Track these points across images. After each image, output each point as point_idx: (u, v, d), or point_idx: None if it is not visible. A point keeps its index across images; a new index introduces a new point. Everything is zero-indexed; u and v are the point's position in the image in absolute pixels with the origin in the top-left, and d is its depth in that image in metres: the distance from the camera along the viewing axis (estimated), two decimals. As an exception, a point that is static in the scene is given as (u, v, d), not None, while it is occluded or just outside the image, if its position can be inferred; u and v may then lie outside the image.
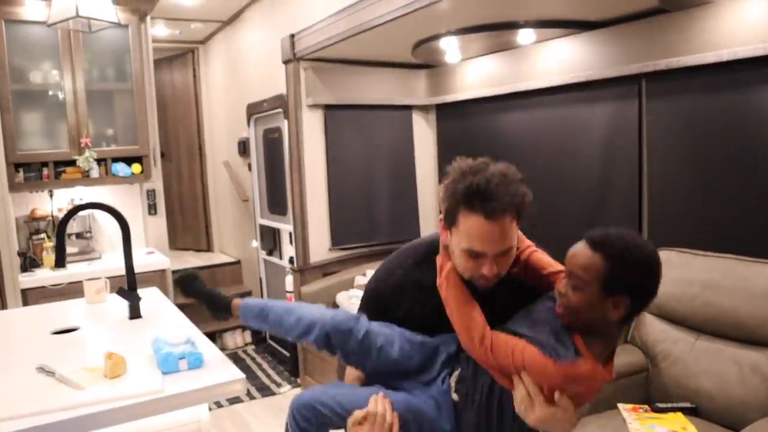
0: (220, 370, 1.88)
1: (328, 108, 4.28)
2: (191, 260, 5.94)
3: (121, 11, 4.05)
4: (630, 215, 3.18)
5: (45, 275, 3.86)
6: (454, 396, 1.61)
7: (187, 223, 6.47)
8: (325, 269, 4.30)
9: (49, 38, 3.97)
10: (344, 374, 1.84)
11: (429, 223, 4.73)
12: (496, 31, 3.34)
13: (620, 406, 2.57)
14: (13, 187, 3.91)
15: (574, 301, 1.43)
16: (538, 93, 3.65)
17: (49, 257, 3.98)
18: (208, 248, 6.37)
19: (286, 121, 4.31)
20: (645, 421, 2.43)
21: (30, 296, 3.75)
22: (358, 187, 4.42)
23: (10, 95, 3.86)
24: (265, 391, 4.23)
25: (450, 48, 3.70)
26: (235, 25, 5.49)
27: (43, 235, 4.12)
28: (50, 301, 3.01)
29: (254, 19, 5.16)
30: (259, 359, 5.02)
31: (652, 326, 2.85)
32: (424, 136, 4.71)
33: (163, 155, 5.35)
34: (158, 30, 5.54)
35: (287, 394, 4.15)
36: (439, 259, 1.64)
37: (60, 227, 2.45)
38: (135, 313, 2.50)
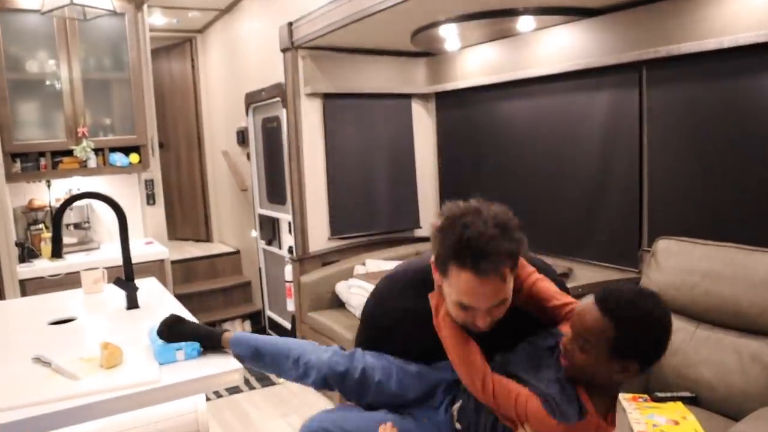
0: (217, 360, 1.86)
1: (326, 97, 4.26)
2: (191, 250, 5.93)
3: (117, -1, 4.02)
4: (630, 203, 3.17)
5: (43, 266, 3.85)
6: (457, 425, 1.61)
7: (186, 213, 6.45)
8: (325, 258, 4.29)
9: (45, 27, 3.94)
10: None
11: (428, 212, 4.72)
12: (495, 18, 3.31)
13: (620, 395, 2.57)
14: (10, 177, 3.90)
15: (581, 360, 1.40)
16: (538, 81, 3.63)
17: (47, 248, 3.97)
18: (208, 238, 6.36)
19: (284, 110, 4.29)
20: (645, 411, 2.42)
21: (28, 287, 3.74)
22: (357, 177, 4.40)
23: (6, 84, 3.84)
24: (265, 381, 4.23)
25: (449, 35, 3.67)
26: (233, 13, 5.45)
27: (41, 226, 4.10)
28: (48, 292, 3.00)
29: (252, 7, 5.12)
30: (258, 349, 5.02)
31: (651, 315, 2.83)
32: (424, 124, 4.68)
33: (161, 145, 5.33)
34: (155, 19, 5.50)
35: (287, 384, 4.15)
36: (433, 298, 1.61)
37: (56, 217, 2.44)
38: (132, 303, 2.49)
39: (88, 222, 4.28)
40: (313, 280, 4.13)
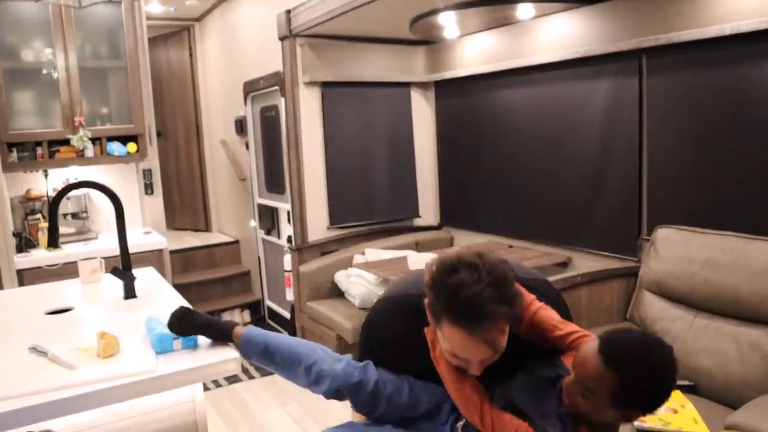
0: (214, 350, 1.85)
1: (325, 85, 4.23)
2: (189, 240, 5.92)
3: (113, -13, 3.98)
4: (630, 191, 3.16)
5: (41, 256, 3.83)
6: None
7: (185, 202, 6.43)
8: (324, 248, 4.28)
9: (40, 14, 3.90)
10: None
11: (428, 201, 4.71)
12: (494, 6, 3.28)
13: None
14: (7, 166, 3.88)
15: (582, 405, 1.40)
16: (538, 69, 3.60)
17: (44, 238, 3.95)
18: (206, 228, 6.34)
19: (282, 99, 4.27)
20: (643, 399, 2.42)
21: (26, 277, 3.73)
22: (356, 166, 4.39)
23: (1, 73, 3.81)
24: (264, 371, 4.23)
25: (448, 23, 3.64)
26: (231, 1, 5.40)
27: (38, 216, 4.09)
28: (46, 282, 2.99)
29: (250, -5, 5.08)
30: (258, 338, 5.02)
31: (651, 304, 2.83)
32: (423, 113, 4.66)
33: (159, 135, 5.30)
34: (152, 7, 5.45)
35: (286, 373, 4.15)
36: (428, 333, 1.59)
37: (52, 206, 2.42)
38: (130, 293, 2.48)
39: (86, 212, 4.26)
40: (312, 270, 4.12)
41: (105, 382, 1.64)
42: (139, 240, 4.16)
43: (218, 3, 5.62)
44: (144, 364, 1.73)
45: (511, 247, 3.95)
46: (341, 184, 4.34)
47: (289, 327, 4.48)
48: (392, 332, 1.77)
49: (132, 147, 4.27)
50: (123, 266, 2.48)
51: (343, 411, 2.98)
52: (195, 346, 1.87)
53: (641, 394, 1.34)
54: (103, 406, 1.66)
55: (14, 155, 3.92)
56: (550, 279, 2.96)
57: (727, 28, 2.59)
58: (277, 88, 4.42)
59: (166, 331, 1.85)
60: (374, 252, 4.13)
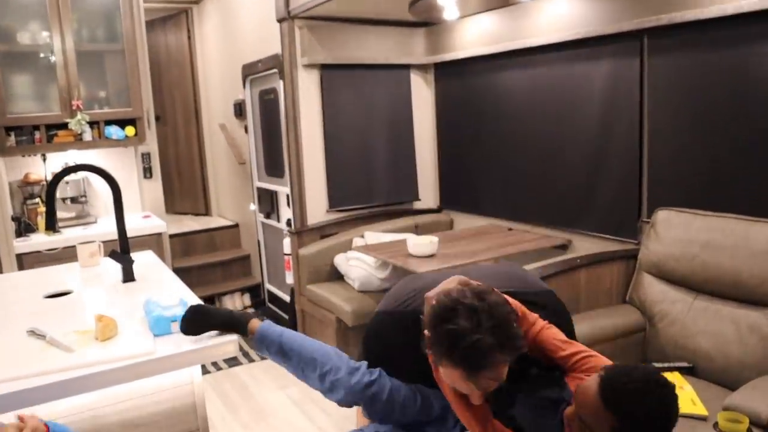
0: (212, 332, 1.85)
1: (324, 68, 4.20)
2: (189, 224, 5.91)
3: (110, -31, 3.95)
4: (630, 173, 3.15)
5: (40, 240, 3.83)
6: None
7: (185, 187, 6.42)
8: (323, 231, 4.28)
9: (36, -4, 3.87)
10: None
11: (427, 184, 4.70)
12: (494, -14, 3.25)
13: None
14: (5, 151, 3.87)
15: None
16: (538, 50, 3.57)
17: (43, 222, 3.95)
18: (206, 212, 6.34)
19: (281, 82, 4.24)
20: (642, 381, 2.42)
21: (25, 261, 3.73)
22: (355, 148, 4.37)
23: (-3, 56, 3.79)
24: (264, 354, 4.25)
25: (447, 4, 3.60)
26: (229, -17, 5.36)
27: (37, 200, 4.08)
28: (46, 266, 2.99)
29: (248, -24, 5.03)
30: (258, 322, 5.03)
31: (650, 286, 2.83)
32: (423, 95, 4.63)
33: (158, 118, 5.29)
34: (150, -11, 5.41)
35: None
36: (431, 357, 1.58)
37: (50, 190, 2.41)
38: (128, 276, 2.48)
39: (85, 196, 4.26)
40: (312, 253, 4.12)
41: (103, 364, 1.64)
42: (138, 224, 4.16)
43: (216, -15, 5.57)
44: (142, 347, 1.73)
45: (510, 229, 3.94)
46: (340, 167, 4.32)
47: (289, 310, 4.49)
48: (393, 344, 1.80)
49: (130, 131, 4.25)
50: (121, 249, 2.48)
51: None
52: (193, 328, 1.86)
53: None
54: (101, 389, 1.66)
55: (12, 139, 3.91)
56: (550, 261, 2.97)
57: (730, 8, 2.56)
58: (275, 70, 4.39)
59: (165, 313, 1.85)
60: (374, 235, 4.12)
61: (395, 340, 1.79)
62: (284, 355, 1.80)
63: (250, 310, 5.35)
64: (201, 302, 2.05)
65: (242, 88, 5.09)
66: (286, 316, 4.69)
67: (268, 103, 4.74)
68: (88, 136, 4.09)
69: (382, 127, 4.45)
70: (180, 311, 1.87)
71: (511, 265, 2.39)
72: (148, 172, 4.58)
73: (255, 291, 5.45)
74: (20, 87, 3.98)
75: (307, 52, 4.10)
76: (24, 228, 3.95)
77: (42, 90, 4.03)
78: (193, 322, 1.79)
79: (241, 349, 4.25)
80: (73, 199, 4.22)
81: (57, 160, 4.19)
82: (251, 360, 4.15)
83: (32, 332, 1.87)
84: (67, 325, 1.95)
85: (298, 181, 4.21)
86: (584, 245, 3.45)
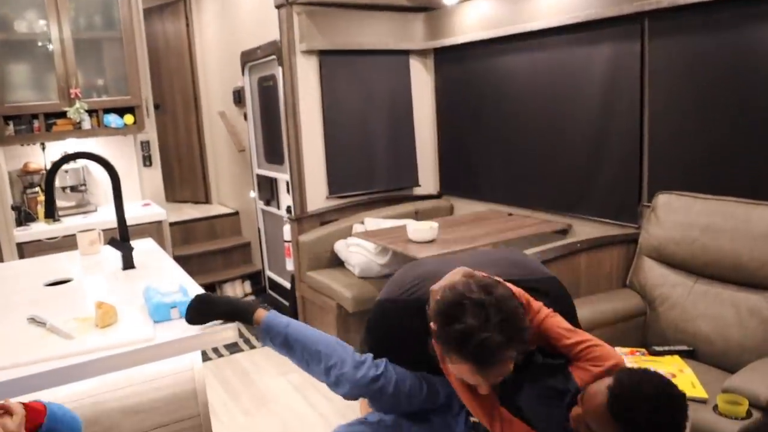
0: (211, 318, 1.85)
1: (322, 54, 4.18)
2: (189, 212, 5.91)
3: (106, -45, 3.91)
4: (630, 157, 3.14)
5: (40, 229, 3.83)
6: None
7: (185, 175, 6.41)
8: (323, 218, 4.27)
9: (32, -16, 3.85)
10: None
11: (427, 170, 4.69)
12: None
13: (617, 349, 2.56)
14: (4, 140, 3.86)
15: None
16: (538, 35, 3.55)
17: (43, 211, 3.95)
18: (206, 200, 6.33)
19: (280, 69, 4.22)
20: (642, 365, 2.42)
21: (26, 250, 3.74)
22: (355, 135, 4.36)
23: (-6, 45, 3.77)
24: (266, 341, 4.26)
25: (446, -12, 3.58)
26: (227, -31, 5.32)
27: (37, 189, 4.08)
28: (46, 255, 2.99)
29: (245, -38, 5.00)
30: (259, 309, 5.03)
31: (650, 270, 2.83)
32: (422, 80, 4.61)
33: (158, 107, 5.26)
34: (147, -24, 5.38)
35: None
36: (437, 348, 1.59)
37: (48, 178, 2.41)
38: (128, 264, 2.48)
39: (85, 184, 4.25)
40: (312, 240, 4.12)
41: (103, 351, 1.64)
42: (138, 212, 4.15)
43: (214, -29, 5.53)
44: (142, 333, 1.73)
45: (510, 215, 3.93)
46: (340, 154, 4.31)
47: (290, 297, 4.49)
48: (397, 332, 1.79)
49: (129, 119, 4.24)
50: (120, 237, 2.48)
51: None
52: (193, 315, 1.86)
53: None
54: (101, 375, 1.66)
55: (11, 128, 3.90)
56: (550, 246, 2.97)
57: (730, -11, 2.54)
58: (274, 57, 4.36)
59: (164, 299, 1.85)
60: (373, 221, 4.12)
61: (399, 328, 1.78)
62: (289, 347, 1.80)
63: (251, 298, 5.36)
64: (202, 290, 2.06)
65: (241, 75, 5.07)
66: (287, 303, 4.70)
67: (267, 90, 4.72)
68: (86, 124, 4.08)
69: (381, 114, 4.44)
70: (180, 297, 1.87)
71: (512, 250, 2.39)
72: (147, 161, 4.57)
73: (255, 278, 5.46)
74: (18, 76, 3.97)
75: (305, 38, 4.07)
76: (24, 217, 3.95)
77: (40, 78, 4.02)
78: (198, 312, 1.78)
79: (241, 335, 4.26)
80: (73, 188, 4.21)
81: (56, 149, 4.18)
82: (252, 346, 4.17)
83: (32, 320, 1.88)
84: (67, 312, 1.95)
85: (298, 168, 4.21)
86: (584, 230, 3.44)
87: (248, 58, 4.86)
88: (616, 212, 3.25)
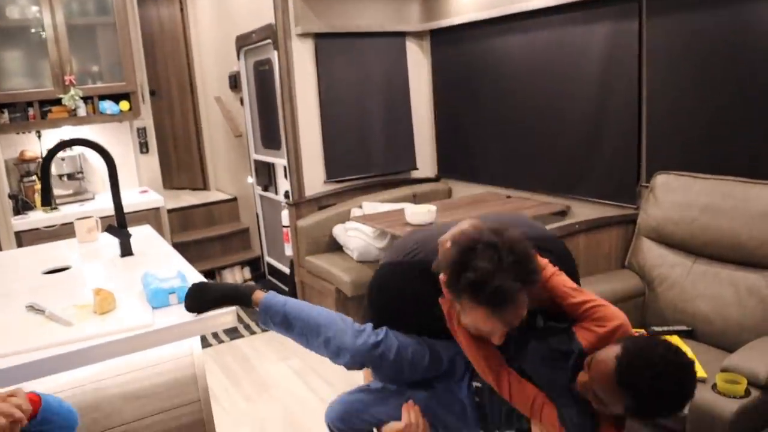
0: (210, 304, 1.85)
1: (318, 36, 4.15)
2: (187, 198, 5.89)
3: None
4: (628, 137, 3.13)
5: (38, 217, 3.82)
6: (477, 399, 1.67)
7: (182, 161, 6.39)
8: (321, 202, 4.27)
9: (24, -31, 3.81)
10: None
11: (425, 153, 4.67)
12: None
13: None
14: (-1, 128, 3.84)
15: (594, 403, 1.43)
16: (535, 14, 3.53)
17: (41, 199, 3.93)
18: (204, 186, 6.32)
19: (275, 52, 4.19)
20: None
21: (24, 238, 3.73)
22: (351, 118, 4.34)
23: (-13, 32, 3.74)
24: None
25: (442, -31, 3.54)
26: (220, -48, 5.27)
27: (33, 177, 4.06)
28: (44, 243, 2.98)
29: (239, -55, 4.94)
30: (259, 295, 5.04)
31: (649, 251, 2.83)
32: (419, 63, 4.59)
33: (153, 93, 5.23)
34: (140, -40, 5.31)
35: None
36: (444, 304, 1.58)
37: (44, 165, 2.40)
38: (126, 251, 2.48)
39: (82, 172, 4.23)
40: (310, 224, 4.12)
41: (102, 337, 1.64)
42: (136, 199, 4.14)
43: (207, -45, 5.48)
44: (140, 319, 1.73)
45: (509, 197, 3.93)
46: (337, 138, 4.29)
47: (289, 282, 4.50)
48: (399, 295, 1.77)
49: (125, 105, 4.21)
50: (118, 224, 2.47)
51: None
52: (191, 300, 1.86)
53: (655, 412, 1.38)
54: (101, 361, 1.66)
55: (6, 116, 3.87)
56: (549, 227, 2.96)
57: (729, -34, 2.51)
58: (269, 41, 4.33)
59: (162, 285, 1.85)
60: (371, 205, 4.11)
61: (401, 291, 1.76)
62: (288, 324, 1.79)
63: (251, 283, 5.36)
64: (201, 276, 2.05)
65: (237, 59, 5.03)
66: (286, 288, 4.70)
67: (263, 75, 4.69)
68: (82, 111, 4.05)
69: (378, 97, 4.41)
70: (178, 283, 1.87)
71: (517, 213, 2.36)
72: (144, 147, 4.55)
73: (255, 264, 5.46)
74: (11, 63, 3.94)
75: (300, 21, 4.04)
76: (21, 206, 3.94)
77: (34, 65, 3.99)
78: (196, 299, 1.78)
79: (241, 321, 4.27)
80: (70, 176, 4.20)
81: (52, 137, 4.16)
82: (252, 332, 4.17)
83: (31, 307, 1.87)
84: (66, 299, 1.95)
85: (295, 153, 4.19)
86: (583, 211, 3.44)
87: (243, 43, 4.82)
88: (615, 193, 3.25)
